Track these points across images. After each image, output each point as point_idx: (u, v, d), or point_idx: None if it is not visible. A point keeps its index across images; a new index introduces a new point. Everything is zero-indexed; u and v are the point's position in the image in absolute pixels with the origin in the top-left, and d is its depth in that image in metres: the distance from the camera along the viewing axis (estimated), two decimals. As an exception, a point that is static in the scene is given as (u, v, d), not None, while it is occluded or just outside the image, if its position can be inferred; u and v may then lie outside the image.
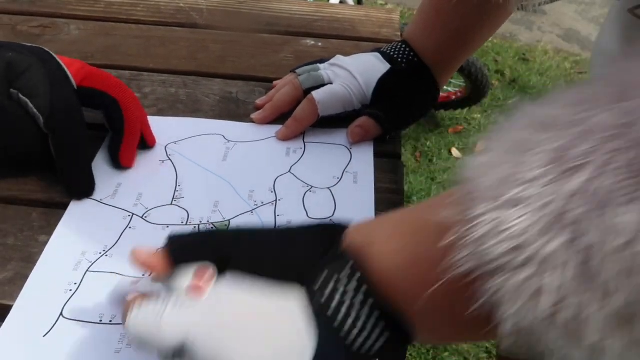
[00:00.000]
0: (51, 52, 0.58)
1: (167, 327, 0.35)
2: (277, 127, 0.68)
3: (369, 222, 0.39)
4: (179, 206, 0.58)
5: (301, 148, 0.66)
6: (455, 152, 2.04)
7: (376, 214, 0.59)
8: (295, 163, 0.64)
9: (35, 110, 0.54)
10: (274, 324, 0.35)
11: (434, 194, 1.85)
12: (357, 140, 0.67)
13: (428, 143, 2.05)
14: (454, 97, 2.10)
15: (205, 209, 0.57)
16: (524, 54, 2.61)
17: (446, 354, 1.42)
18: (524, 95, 2.34)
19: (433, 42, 0.67)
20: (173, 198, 0.58)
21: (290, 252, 0.39)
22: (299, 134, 0.67)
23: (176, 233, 0.42)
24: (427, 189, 1.86)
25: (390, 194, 0.62)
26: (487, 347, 1.45)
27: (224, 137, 0.66)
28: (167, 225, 0.56)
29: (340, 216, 0.58)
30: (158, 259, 0.41)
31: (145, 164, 0.62)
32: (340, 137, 0.68)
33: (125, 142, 0.60)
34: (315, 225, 0.41)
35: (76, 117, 0.56)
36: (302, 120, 0.66)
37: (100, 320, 0.47)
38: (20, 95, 0.54)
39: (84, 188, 0.58)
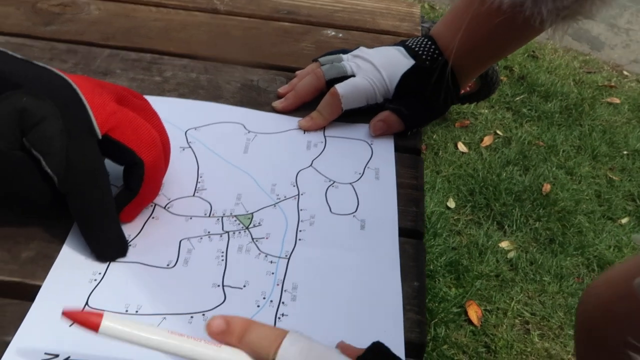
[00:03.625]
0: (78, 92, 0.49)
1: None
2: (297, 119, 0.67)
3: None
4: (201, 198, 0.57)
5: (322, 142, 0.65)
6: (461, 146, 2.04)
7: (399, 210, 0.58)
8: (317, 157, 0.63)
9: (48, 169, 0.47)
10: None
11: (439, 187, 1.85)
12: (378, 134, 0.66)
13: (434, 136, 2.05)
14: (462, 91, 2.09)
15: (228, 202, 0.57)
16: (533, 51, 2.60)
17: (445, 346, 1.43)
18: (532, 92, 2.34)
19: (460, 43, 0.66)
20: (195, 189, 0.58)
21: None
22: (322, 128, 0.67)
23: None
24: (432, 181, 1.86)
25: (410, 190, 0.62)
26: (486, 342, 1.45)
27: (244, 126, 0.66)
28: (190, 217, 0.55)
29: (363, 213, 0.58)
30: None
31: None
32: (360, 131, 0.67)
33: (134, 202, 0.52)
34: None
35: (96, 178, 0.49)
36: (325, 114, 0.66)
37: (126, 311, 0.47)
38: (33, 151, 0.46)
39: (112, 252, 0.51)
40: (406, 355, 0.46)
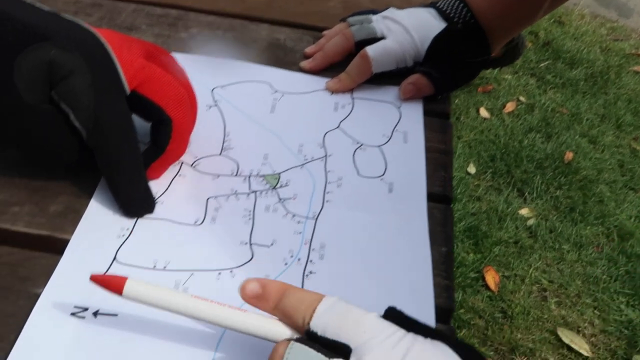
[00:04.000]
0: (106, 46, 0.48)
1: (369, 321, 0.36)
2: (324, 80, 0.66)
3: None
4: (228, 157, 0.57)
5: (349, 103, 0.65)
6: (483, 111, 2.01)
7: (427, 174, 0.58)
8: (344, 119, 0.62)
9: (76, 124, 0.46)
10: None
11: (460, 153, 1.83)
12: (408, 97, 0.65)
13: (456, 101, 2.02)
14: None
15: (255, 161, 0.57)
16: (559, 17, 2.54)
17: (462, 310, 1.43)
18: (557, 59, 2.29)
19: (494, 7, 0.64)
20: (222, 148, 0.58)
21: None
22: (350, 90, 0.66)
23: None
24: (453, 147, 1.84)
25: (438, 154, 0.61)
26: (502, 307, 1.46)
27: (271, 86, 0.65)
28: (217, 175, 0.55)
29: (391, 176, 0.57)
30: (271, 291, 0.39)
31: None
32: (389, 94, 0.66)
33: (161, 159, 0.52)
34: None
35: (125, 133, 0.49)
36: (354, 77, 0.65)
37: (154, 266, 0.47)
38: (62, 104, 0.46)
39: (140, 208, 0.51)
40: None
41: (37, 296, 0.44)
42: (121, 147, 0.49)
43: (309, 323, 0.37)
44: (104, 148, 0.48)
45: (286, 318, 0.39)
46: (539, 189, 1.77)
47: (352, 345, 0.35)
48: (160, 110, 0.50)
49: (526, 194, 1.76)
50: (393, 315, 0.38)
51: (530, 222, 1.68)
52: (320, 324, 0.36)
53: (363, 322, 0.36)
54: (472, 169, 1.81)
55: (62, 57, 0.45)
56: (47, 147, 0.48)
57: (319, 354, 0.35)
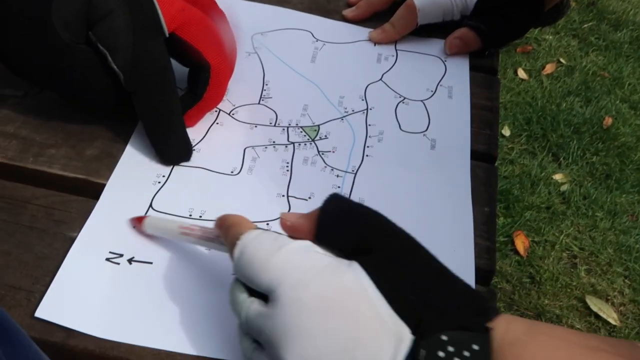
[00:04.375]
0: None
1: (277, 260, 0.33)
2: (368, 30, 0.64)
3: (526, 329, 0.31)
4: (266, 106, 0.55)
5: (393, 55, 0.62)
6: (521, 72, 1.96)
7: (471, 132, 0.56)
8: (387, 71, 0.60)
9: (114, 66, 0.45)
10: (358, 339, 0.31)
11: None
12: (454, 52, 0.63)
13: (494, 60, 1.97)
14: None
15: (294, 112, 0.55)
16: (606, -25, 2.44)
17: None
18: (601, 20, 2.21)
19: None
20: (261, 97, 0.56)
21: (435, 291, 0.32)
22: (393, 41, 0.63)
23: (335, 196, 0.37)
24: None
25: (484, 111, 0.59)
26: (530, 273, 1.44)
27: (312, 34, 0.63)
28: (255, 125, 0.53)
29: (434, 132, 0.55)
30: (306, 223, 0.37)
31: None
32: (434, 47, 0.64)
33: (198, 106, 0.51)
34: (470, 288, 0.34)
35: (163, 77, 0.47)
36: (399, 28, 0.62)
37: (190, 215, 0.46)
38: (99, 46, 0.44)
39: (177, 155, 0.50)
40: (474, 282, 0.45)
41: (72, 239, 0.44)
42: (159, 92, 0.47)
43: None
44: (142, 93, 0.47)
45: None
46: (574, 154, 1.73)
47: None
48: (199, 54, 0.48)
49: (561, 159, 1.72)
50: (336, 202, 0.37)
51: (564, 187, 1.64)
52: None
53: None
54: (506, 132, 1.76)
55: None
56: (83, 89, 0.47)
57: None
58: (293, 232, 0.37)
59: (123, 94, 0.47)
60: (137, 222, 0.45)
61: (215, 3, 0.52)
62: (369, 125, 0.55)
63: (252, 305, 0.34)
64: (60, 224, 0.45)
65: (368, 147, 0.53)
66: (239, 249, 0.35)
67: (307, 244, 0.35)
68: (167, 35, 0.47)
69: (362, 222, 0.35)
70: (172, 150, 0.49)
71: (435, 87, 0.59)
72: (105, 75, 0.46)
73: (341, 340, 0.30)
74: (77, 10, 0.43)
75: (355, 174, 0.51)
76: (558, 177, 1.67)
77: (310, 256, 0.34)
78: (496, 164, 0.54)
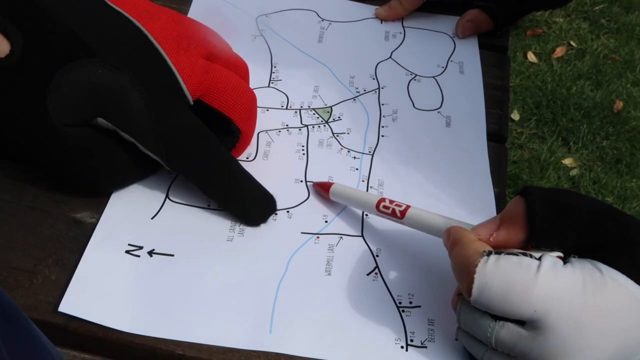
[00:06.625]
0: (161, 52, 0.41)
1: (539, 290, 0.32)
2: (374, 7, 0.63)
3: None
4: (276, 89, 0.54)
5: (401, 33, 0.61)
6: (530, 56, 1.93)
7: (486, 109, 0.55)
8: (396, 48, 0.59)
9: (148, 152, 0.41)
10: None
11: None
12: (466, 35, 0.61)
13: (502, 44, 1.94)
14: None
15: (305, 94, 0.54)
16: (616, -44, 2.40)
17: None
18: (613, 2, 2.17)
19: None
20: (270, 80, 0.55)
21: None
22: (400, 18, 0.62)
23: (530, 190, 0.35)
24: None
25: (494, 90, 0.58)
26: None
27: (317, 14, 0.62)
28: (267, 109, 0.52)
29: (448, 109, 0.54)
30: (512, 232, 0.35)
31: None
32: (441, 24, 0.63)
33: None
34: None
35: (207, 145, 0.42)
36: (406, 4, 0.61)
37: (209, 206, 0.45)
38: (123, 134, 0.40)
39: (262, 213, 0.45)
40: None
41: (76, 220, 0.43)
42: (209, 162, 0.42)
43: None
44: (192, 170, 0.42)
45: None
46: (584, 138, 1.71)
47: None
48: (228, 121, 0.44)
49: (571, 143, 1.70)
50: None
51: (574, 172, 1.63)
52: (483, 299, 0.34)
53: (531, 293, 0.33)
54: (515, 116, 1.75)
55: (108, 78, 0.39)
56: (81, 172, 0.43)
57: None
58: (498, 247, 0.36)
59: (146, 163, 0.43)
60: (322, 189, 0.46)
61: (229, 47, 0.48)
62: (382, 104, 0.54)
63: (503, 329, 0.33)
64: (62, 204, 0.44)
65: (383, 127, 0.52)
66: (480, 285, 0.33)
67: (551, 261, 0.33)
68: (192, 103, 0.42)
69: (586, 217, 0.34)
70: (258, 210, 0.45)
71: (446, 63, 0.58)
72: (117, 155, 0.42)
73: (621, 347, 0.32)
74: (84, 94, 0.39)
75: (373, 155, 0.50)
76: (567, 161, 1.65)
77: (561, 274, 0.33)
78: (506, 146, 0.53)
